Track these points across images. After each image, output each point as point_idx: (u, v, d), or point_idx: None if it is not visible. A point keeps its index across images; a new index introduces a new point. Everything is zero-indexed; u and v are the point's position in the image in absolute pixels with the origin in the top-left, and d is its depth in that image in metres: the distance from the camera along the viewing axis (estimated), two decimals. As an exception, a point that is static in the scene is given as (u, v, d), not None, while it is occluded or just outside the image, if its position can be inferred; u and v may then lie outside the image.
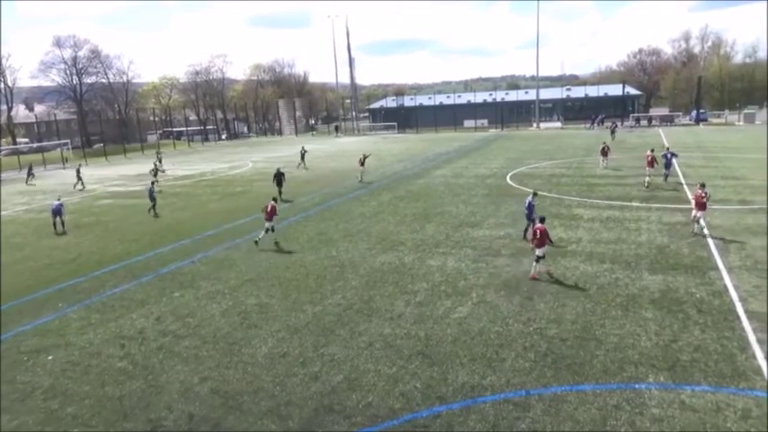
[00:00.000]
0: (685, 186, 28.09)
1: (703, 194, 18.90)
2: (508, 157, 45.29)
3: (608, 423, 8.72)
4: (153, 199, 28.49)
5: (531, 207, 18.89)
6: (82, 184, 40.70)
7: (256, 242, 20.58)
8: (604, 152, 36.29)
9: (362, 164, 36.48)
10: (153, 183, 30.18)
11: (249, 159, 54.93)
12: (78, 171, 41.48)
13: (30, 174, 47.94)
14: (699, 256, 16.68)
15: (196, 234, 23.17)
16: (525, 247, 18.65)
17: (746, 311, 12.51)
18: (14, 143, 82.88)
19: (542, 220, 15.93)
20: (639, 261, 16.52)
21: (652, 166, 28.33)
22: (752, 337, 11.24)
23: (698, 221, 19.12)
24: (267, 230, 20.59)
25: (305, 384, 10.45)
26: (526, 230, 18.97)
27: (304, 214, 26.31)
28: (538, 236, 15.24)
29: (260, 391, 10.29)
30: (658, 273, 15.40)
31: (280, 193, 30.08)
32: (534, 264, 15.49)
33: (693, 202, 19.42)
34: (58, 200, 26.48)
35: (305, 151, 47.35)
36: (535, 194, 19.80)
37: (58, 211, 25.44)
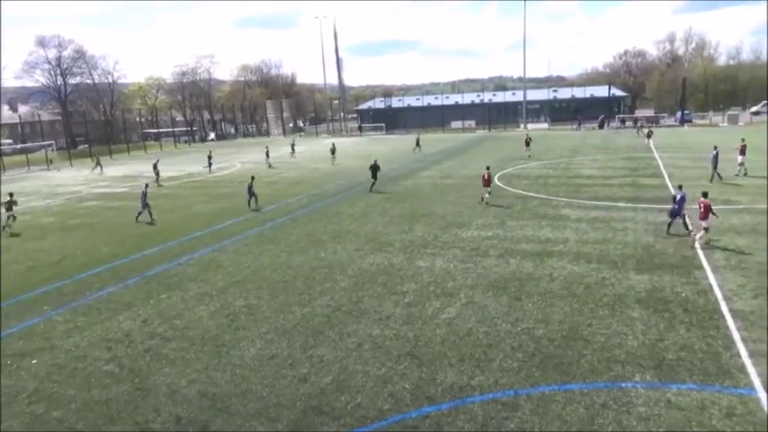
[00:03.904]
0: (671, 187, 28.38)
1: None
2: (496, 158, 45.46)
3: (595, 422, 8.78)
4: (252, 194, 28.30)
5: (681, 200, 19.09)
6: (159, 179, 40.86)
7: (482, 200, 26.33)
8: (649, 135, 50.09)
9: (528, 145, 45.70)
10: (252, 178, 29.56)
11: (237, 160, 54.67)
12: (155, 165, 41.65)
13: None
14: (684, 256, 16.86)
15: (183, 236, 23.02)
16: (513, 247, 18.76)
17: (731, 310, 12.66)
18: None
19: (705, 195, 18.01)
20: (626, 261, 16.66)
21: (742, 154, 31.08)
22: (736, 336, 11.37)
23: None
24: (488, 194, 26.39)
25: (294, 386, 10.42)
26: (670, 225, 19.40)
27: (292, 215, 26.24)
28: (702, 209, 17.58)
29: (248, 393, 10.25)
30: (644, 272, 15.55)
31: (373, 183, 32.16)
32: (702, 233, 17.67)
33: None
34: (145, 187, 27.81)
35: (419, 137, 61.44)
36: (680, 187, 19.87)
37: (144, 202, 26.35)
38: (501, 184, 31.95)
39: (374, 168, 32.13)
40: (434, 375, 10.50)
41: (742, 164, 30.88)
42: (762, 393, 9.25)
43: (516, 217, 23.32)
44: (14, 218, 26.24)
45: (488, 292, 14.71)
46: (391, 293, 14.97)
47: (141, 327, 13.65)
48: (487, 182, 26.48)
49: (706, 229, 17.75)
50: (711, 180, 28.60)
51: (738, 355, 10.62)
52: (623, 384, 9.81)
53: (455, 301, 14.19)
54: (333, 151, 49.91)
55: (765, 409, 8.86)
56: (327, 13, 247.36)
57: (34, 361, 12.09)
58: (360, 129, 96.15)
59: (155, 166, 41.60)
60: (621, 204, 24.69)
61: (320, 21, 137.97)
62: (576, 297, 14.02)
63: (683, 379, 9.87)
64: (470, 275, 16.09)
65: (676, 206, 19.15)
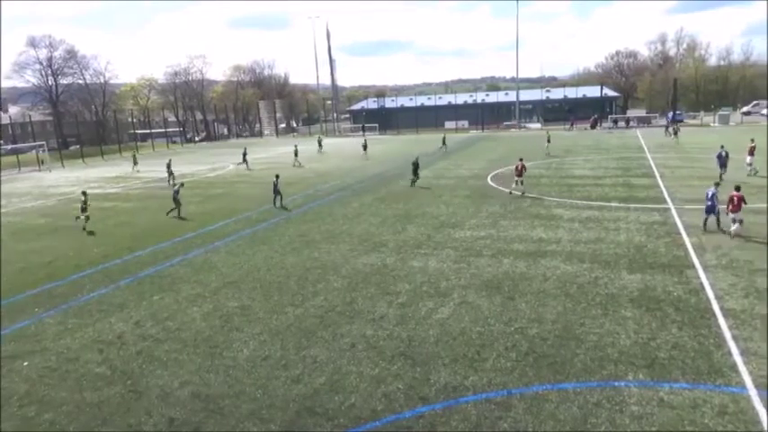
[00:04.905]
0: (662, 187, 28.54)
1: None
2: (489, 159, 45.59)
3: (588, 421, 8.81)
4: (277, 192, 28.40)
5: (713, 197, 19.05)
6: (173, 178, 39.81)
7: (510, 192, 28.20)
8: (675, 132, 52.80)
9: (548, 141, 47.40)
10: (277, 176, 29.18)
11: (230, 161, 54.48)
12: (169, 165, 41.30)
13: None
14: (676, 255, 16.95)
15: (176, 236, 22.92)
16: (506, 247, 18.79)
17: (722, 309, 12.74)
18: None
19: (738, 189, 18.31)
20: (618, 260, 16.73)
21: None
22: (727, 335, 11.44)
23: None
24: (517, 183, 28.09)
25: (287, 387, 10.39)
26: (706, 221, 19.44)
27: (285, 216, 26.18)
28: (735, 202, 17.93)
29: (241, 395, 10.22)
30: (637, 272, 15.62)
31: (414, 180, 33.19)
32: (734, 226, 18.16)
33: None
34: (181, 185, 28.87)
35: (444, 136, 59.64)
36: (717, 184, 19.89)
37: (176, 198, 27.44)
38: (494, 184, 32.04)
39: (415, 165, 33.27)
40: (428, 375, 10.50)
41: (751, 164, 31.05)
42: (753, 391, 9.31)
43: (509, 217, 23.37)
44: (88, 218, 25.90)
45: (482, 291, 14.73)
46: (385, 294, 14.96)
47: (133, 328, 13.58)
48: (520, 172, 27.80)
49: (741, 221, 18.11)
50: (721, 178, 28.44)
51: (730, 353, 10.69)
52: (616, 383, 9.84)
53: (448, 301, 14.20)
54: (365, 147, 53.63)
55: (756, 407, 8.92)
56: (320, 13, 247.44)
57: (25, 363, 12.00)
58: (363, 129, 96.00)
59: (168, 166, 41.08)
60: (614, 204, 24.80)
61: (313, 21, 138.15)
62: (569, 296, 14.06)
63: (675, 378, 9.92)
64: (464, 275, 16.11)
65: (709, 203, 19.18)
